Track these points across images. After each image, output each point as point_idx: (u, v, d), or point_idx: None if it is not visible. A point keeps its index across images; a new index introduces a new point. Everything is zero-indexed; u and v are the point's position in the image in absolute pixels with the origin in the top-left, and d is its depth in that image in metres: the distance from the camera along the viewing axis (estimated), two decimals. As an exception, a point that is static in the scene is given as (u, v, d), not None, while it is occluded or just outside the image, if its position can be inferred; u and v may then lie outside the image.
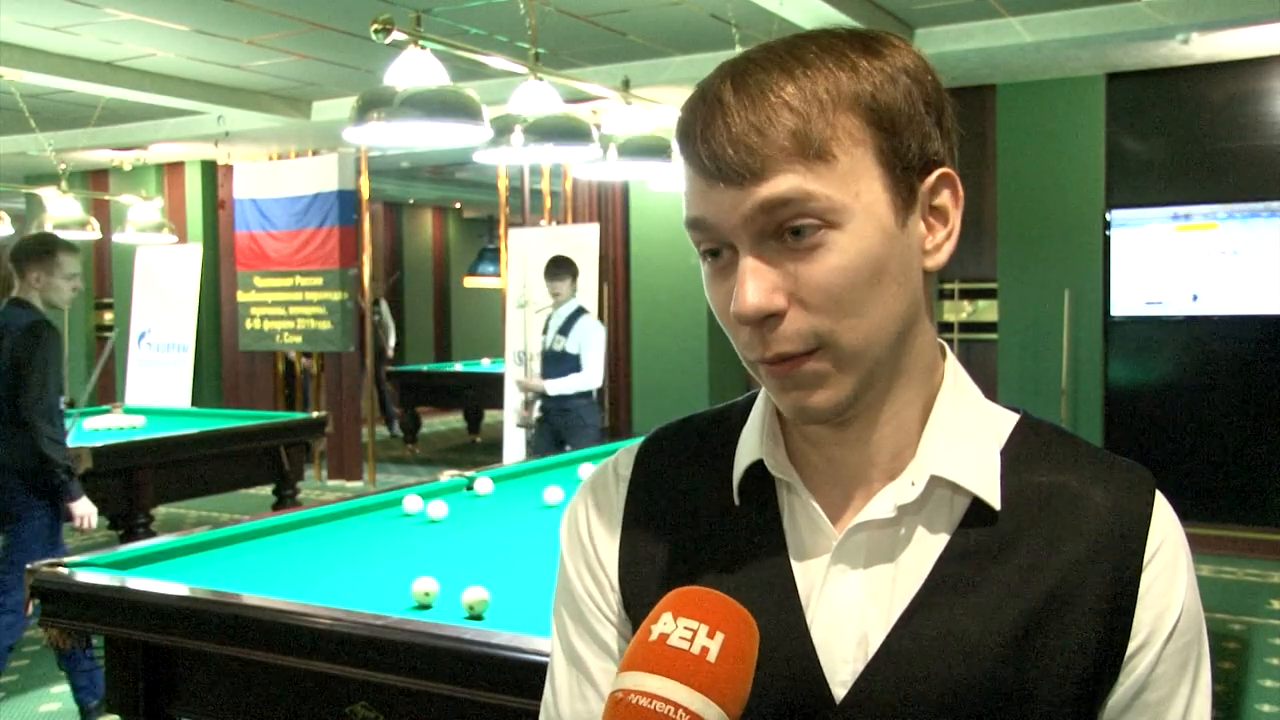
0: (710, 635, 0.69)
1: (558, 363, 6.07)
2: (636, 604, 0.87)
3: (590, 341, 6.06)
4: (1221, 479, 6.47)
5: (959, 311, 7.06)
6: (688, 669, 0.68)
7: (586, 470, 3.83)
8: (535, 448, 6.22)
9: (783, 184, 0.73)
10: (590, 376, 6.04)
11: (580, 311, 6.14)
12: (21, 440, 3.90)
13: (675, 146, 0.79)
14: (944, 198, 0.81)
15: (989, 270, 6.93)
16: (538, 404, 6.19)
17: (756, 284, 0.75)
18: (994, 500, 0.80)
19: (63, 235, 6.80)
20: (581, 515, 0.92)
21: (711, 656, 0.68)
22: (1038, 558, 0.79)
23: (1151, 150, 6.65)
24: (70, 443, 4.30)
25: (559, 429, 6.07)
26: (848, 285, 0.75)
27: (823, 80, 0.75)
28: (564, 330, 6.09)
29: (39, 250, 4.10)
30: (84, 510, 4.07)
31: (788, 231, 0.75)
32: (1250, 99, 6.35)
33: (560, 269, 6.13)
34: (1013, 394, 6.67)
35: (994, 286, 6.94)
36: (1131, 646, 0.79)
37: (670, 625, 0.70)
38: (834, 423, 0.81)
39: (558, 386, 6.01)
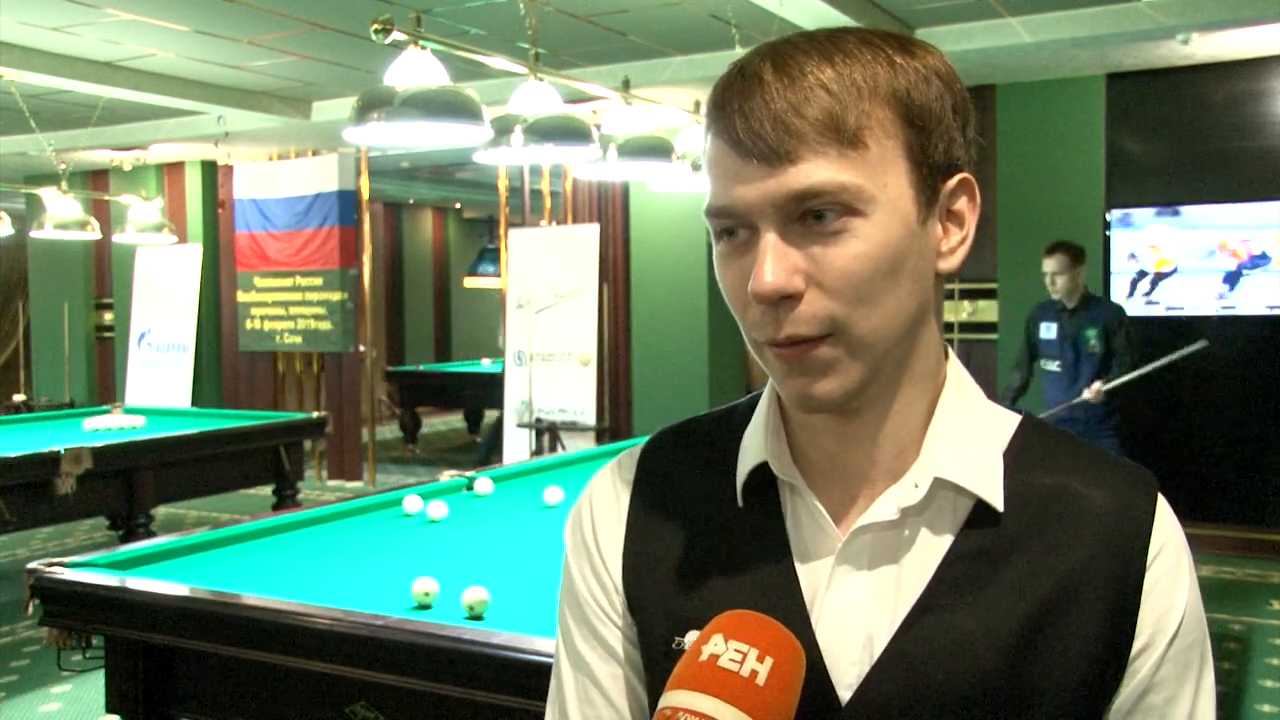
0: (760, 659, 0.70)
1: None
2: (641, 606, 0.87)
3: None
4: (1221, 479, 6.47)
5: (959, 311, 7.06)
6: (736, 690, 0.69)
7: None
8: None
9: (816, 174, 0.74)
10: None
11: None
12: None
13: (706, 120, 0.80)
14: (962, 203, 0.82)
15: (989, 270, 6.92)
16: None
17: (777, 264, 0.75)
18: (997, 502, 0.81)
19: (62, 235, 6.88)
20: (586, 518, 0.93)
21: (760, 680, 0.70)
22: (1041, 559, 0.80)
23: (1151, 150, 6.64)
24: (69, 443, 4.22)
25: None
26: (867, 273, 0.76)
27: (860, 69, 0.76)
28: None
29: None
30: None
31: (810, 214, 0.75)
32: (1250, 99, 6.34)
33: None
34: (1013, 394, 6.66)
35: (994, 286, 6.93)
36: (1135, 648, 0.80)
37: (721, 647, 0.71)
38: (838, 414, 0.81)
39: None
